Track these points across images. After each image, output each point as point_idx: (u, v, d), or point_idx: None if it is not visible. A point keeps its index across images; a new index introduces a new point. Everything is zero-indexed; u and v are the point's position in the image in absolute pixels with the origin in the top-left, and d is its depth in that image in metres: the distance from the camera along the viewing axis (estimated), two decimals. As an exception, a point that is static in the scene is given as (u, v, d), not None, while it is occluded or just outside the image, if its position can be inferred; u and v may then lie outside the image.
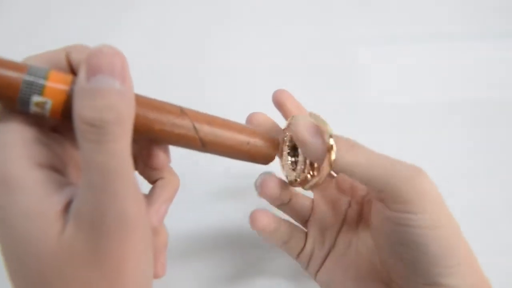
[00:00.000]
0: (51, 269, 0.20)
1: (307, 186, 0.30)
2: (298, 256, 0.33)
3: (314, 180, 0.29)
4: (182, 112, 0.25)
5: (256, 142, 0.29)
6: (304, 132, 0.27)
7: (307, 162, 0.29)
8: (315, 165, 0.29)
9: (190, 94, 0.46)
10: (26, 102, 0.20)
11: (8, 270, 0.21)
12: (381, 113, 0.47)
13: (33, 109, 0.21)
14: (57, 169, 0.22)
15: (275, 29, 0.53)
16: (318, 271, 0.32)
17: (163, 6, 0.54)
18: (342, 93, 0.49)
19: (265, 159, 0.30)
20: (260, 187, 0.30)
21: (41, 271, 0.20)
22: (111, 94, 0.20)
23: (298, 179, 0.30)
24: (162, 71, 0.48)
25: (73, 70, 0.23)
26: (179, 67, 0.49)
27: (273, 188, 0.30)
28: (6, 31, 0.51)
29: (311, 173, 0.29)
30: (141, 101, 0.24)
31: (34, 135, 0.21)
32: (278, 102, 0.33)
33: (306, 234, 0.33)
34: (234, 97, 0.47)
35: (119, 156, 0.20)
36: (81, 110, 0.19)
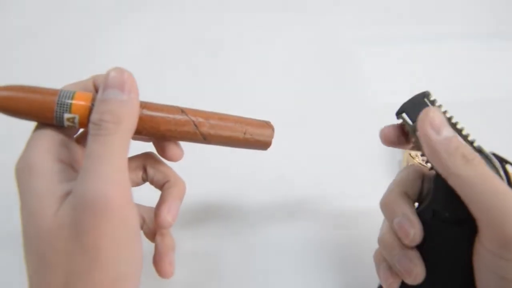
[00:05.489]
0: (46, 242, 0.25)
1: None
2: None
3: None
4: (182, 112, 0.30)
5: (253, 130, 0.32)
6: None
7: None
8: None
9: (192, 95, 0.49)
10: (61, 119, 0.27)
11: (23, 243, 0.26)
12: (380, 113, 0.48)
13: (67, 123, 0.27)
14: (73, 167, 0.28)
15: (275, 30, 0.56)
16: None
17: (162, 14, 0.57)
18: (342, 93, 0.51)
19: (263, 146, 0.33)
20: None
21: (39, 243, 0.25)
22: (113, 102, 0.26)
23: None
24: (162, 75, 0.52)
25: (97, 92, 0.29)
26: (179, 67, 0.52)
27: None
28: (6, 31, 0.55)
29: None
30: (148, 106, 0.29)
31: (61, 140, 0.28)
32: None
33: None
34: (234, 97, 0.49)
35: (109, 146, 0.25)
36: (92, 115, 0.26)
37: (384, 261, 0.31)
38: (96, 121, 0.26)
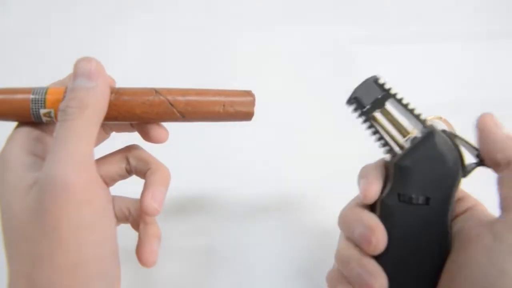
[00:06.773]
0: (16, 229, 0.26)
1: None
2: None
3: None
4: (156, 92, 0.30)
5: (232, 101, 0.30)
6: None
7: None
8: None
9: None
10: (38, 116, 0.28)
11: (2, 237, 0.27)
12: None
13: (45, 119, 0.28)
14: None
15: (273, 29, 0.56)
16: None
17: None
18: (339, 92, 0.49)
19: (245, 116, 0.31)
20: None
21: (11, 232, 0.26)
22: (78, 90, 0.27)
23: None
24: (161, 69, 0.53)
25: None
26: (178, 65, 0.53)
27: None
28: (5, 31, 0.56)
29: None
30: (120, 91, 0.29)
31: (36, 136, 0.29)
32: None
33: None
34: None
35: (72, 130, 0.26)
36: (60, 103, 0.27)
37: (342, 282, 0.30)
38: (63, 108, 0.27)
